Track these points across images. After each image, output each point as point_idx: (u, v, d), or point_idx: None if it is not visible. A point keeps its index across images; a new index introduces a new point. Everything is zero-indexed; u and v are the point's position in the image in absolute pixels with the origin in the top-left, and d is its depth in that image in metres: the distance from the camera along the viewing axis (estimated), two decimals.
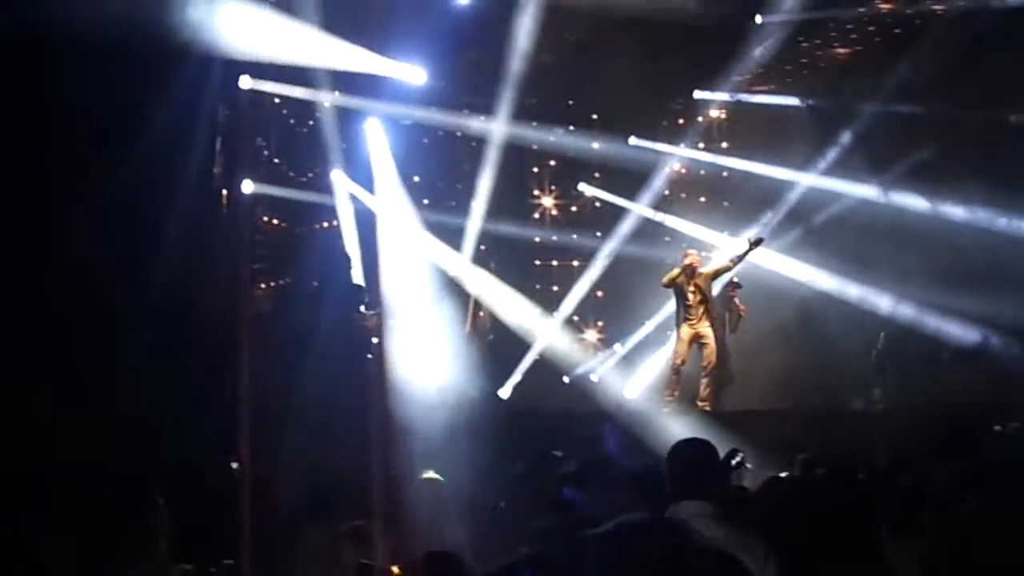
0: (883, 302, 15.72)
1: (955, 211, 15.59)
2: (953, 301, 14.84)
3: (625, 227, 17.74)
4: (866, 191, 16.51)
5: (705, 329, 13.75)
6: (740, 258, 13.88)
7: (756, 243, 13.91)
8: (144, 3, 9.72)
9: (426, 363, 14.26)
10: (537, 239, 19.12)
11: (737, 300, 14.66)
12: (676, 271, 13.87)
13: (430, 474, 8.35)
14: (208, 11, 10.85)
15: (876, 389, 15.07)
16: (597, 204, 18.90)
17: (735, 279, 14.92)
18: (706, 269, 13.91)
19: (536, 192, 19.41)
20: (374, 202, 16.31)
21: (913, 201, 16.07)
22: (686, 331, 13.77)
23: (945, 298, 14.92)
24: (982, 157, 15.62)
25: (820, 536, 4.71)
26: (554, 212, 19.38)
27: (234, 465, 7.88)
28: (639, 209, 17.84)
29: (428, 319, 15.48)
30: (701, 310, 13.73)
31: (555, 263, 19.30)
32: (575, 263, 18.95)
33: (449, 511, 5.92)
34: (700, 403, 13.70)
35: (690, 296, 13.73)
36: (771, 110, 17.57)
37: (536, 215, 19.33)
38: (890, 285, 15.63)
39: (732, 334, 14.57)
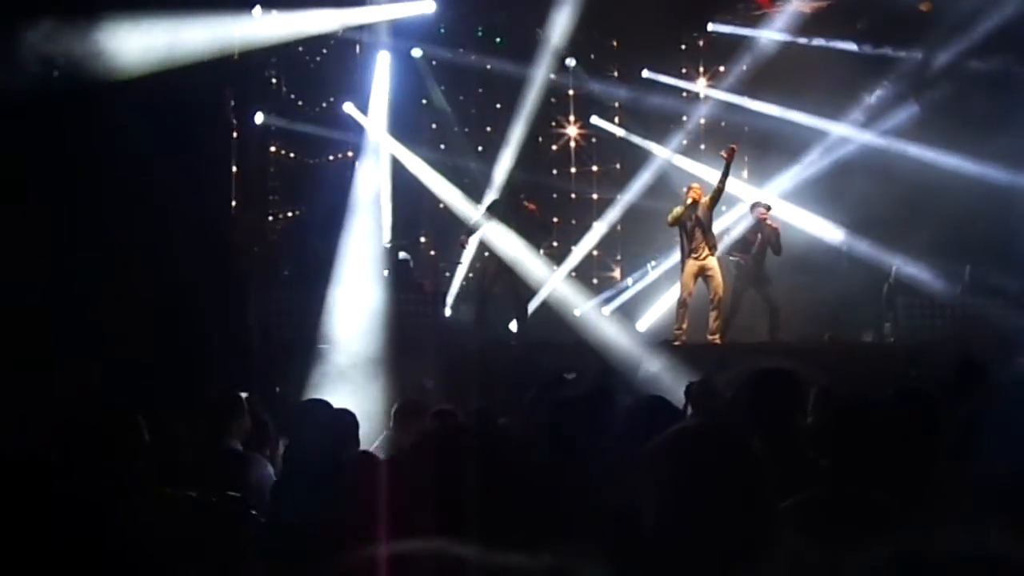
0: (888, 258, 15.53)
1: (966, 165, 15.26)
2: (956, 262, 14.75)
3: (645, 170, 17.72)
4: (878, 139, 16.33)
5: (710, 261, 13.73)
6: (725, 174, 13.73)
7: (731, 153, 13.73)
8: None
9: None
10: (555, 171, 19.07)
11: (768, 220, 14.67)
12: (680, 208, 13.80)
13: None
14: None
15: (887, 323, 15.05)
16: (619, 136, 18.82)
17: (761, 201, 15.00)
18: (704, 200, 13.83)
19: (556, 122, 19.25)
20: (382, 136, 16.31)
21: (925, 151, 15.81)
22: (691, 265, 13.71)
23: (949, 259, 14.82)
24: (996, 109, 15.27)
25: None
26: (574, 144, 19.30)
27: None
28: (656, 149, 17.84)
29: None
30: (703, 242, 13.68)
31: (573, 196, 19.25)
32: (595, 196, 18.94)
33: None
34: (710, 336, 13.68)
35: (693, 230, 13.69)
36: (790, 48, 17.23)
37: (555, 147, 19.26)
38: (893, 238, 15.48)
39: (778, 255, 14.54)
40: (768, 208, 14.77)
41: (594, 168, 19.15)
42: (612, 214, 17.95)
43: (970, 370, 6.95)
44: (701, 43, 18.74)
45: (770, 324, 14.42)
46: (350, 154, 16.61)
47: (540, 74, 17.06)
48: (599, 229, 18.08)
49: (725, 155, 13.74)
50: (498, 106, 18.15)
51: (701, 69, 18.68)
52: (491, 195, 15.34)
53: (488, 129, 18.14)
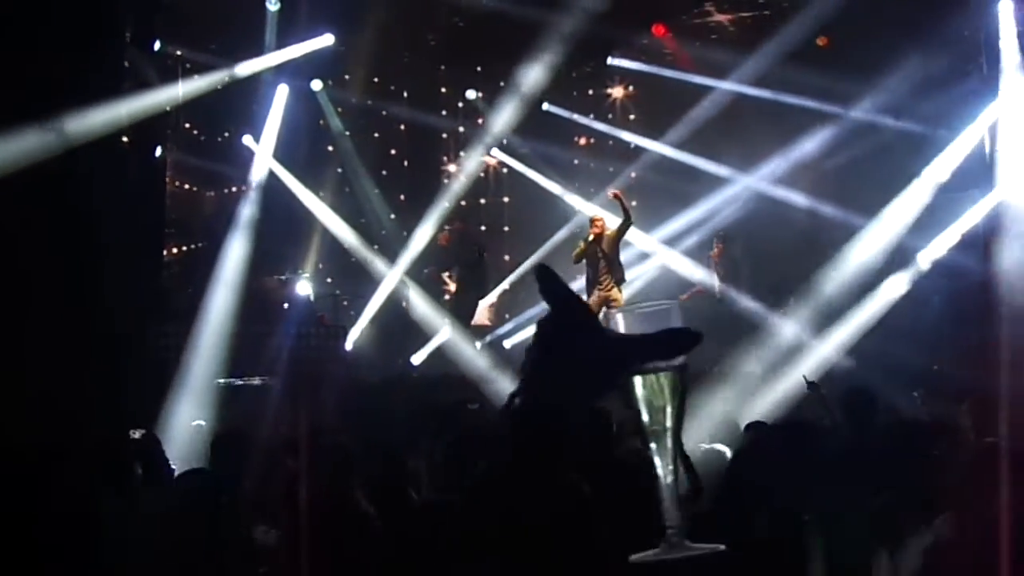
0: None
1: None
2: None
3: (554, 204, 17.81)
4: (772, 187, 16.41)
5: (614, 293, 13.83)
6: (624, 209, 13.90)
7: (616, 195, 14.06)
8: None
9: None
10: (464, 203, 19.04)
11: (717, 252, 15.13)
12: (583, 244, 13.95)
13: None
14: None
15: None
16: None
17: (721, 232, 15.41)
18: (609, 232, 13.95)
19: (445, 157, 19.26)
20: (278, 168, 16.21)
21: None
22: (596, 297, 13.82)
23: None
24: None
25: None
26: (485, 173, 19.31)
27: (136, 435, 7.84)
28: (554, 185, 17.95)
29: None
30: (608, 274, 13.80)
31: (484, 228, 19.26)
32: (506, 228, 18.96)
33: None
34: None
35: (598, 263, 13.80)
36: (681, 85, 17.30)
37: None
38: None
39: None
40: (726, 239, 15.16)
41: (505, 199, 19.16)
42: (526, 249, 17.92)
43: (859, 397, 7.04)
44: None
45: None
46: (248, 187, 16.47)
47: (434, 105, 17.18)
48: (514, 264, 18.12)
49: (611, 196, 14.09)
50: (401, 127, 18.11)
51: (607, 90, 18.82)
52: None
53: (392, 152, 18.06)
